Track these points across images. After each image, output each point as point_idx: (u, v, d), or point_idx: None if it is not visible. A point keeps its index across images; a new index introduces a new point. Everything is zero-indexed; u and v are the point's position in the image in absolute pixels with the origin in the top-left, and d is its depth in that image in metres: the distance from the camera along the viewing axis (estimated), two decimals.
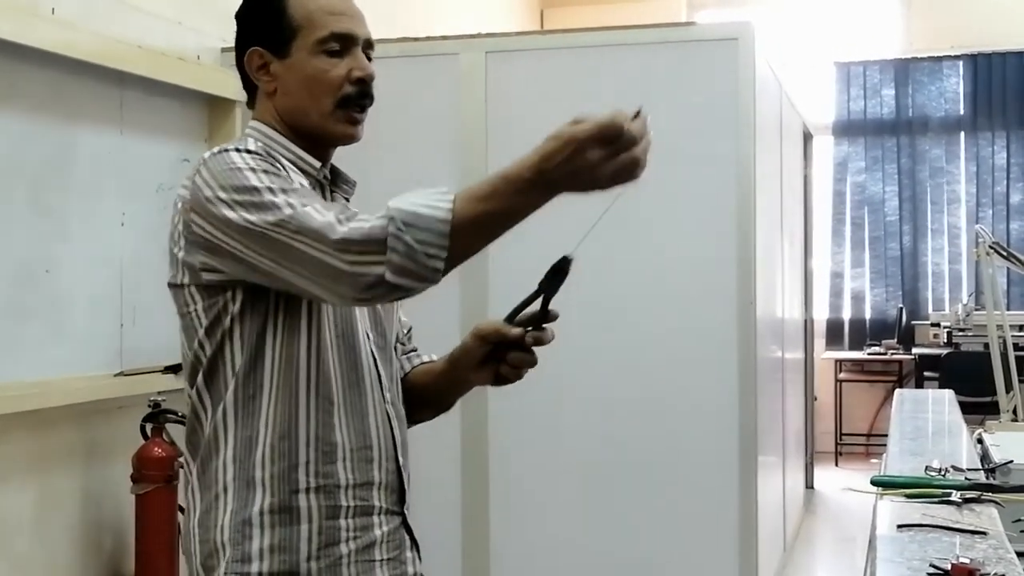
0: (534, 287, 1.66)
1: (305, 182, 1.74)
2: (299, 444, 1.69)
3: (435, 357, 1.94)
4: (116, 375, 3.75)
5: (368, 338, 1.79)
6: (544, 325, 1.70)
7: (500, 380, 1.76)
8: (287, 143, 1.78)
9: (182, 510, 3.69)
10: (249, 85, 1.84)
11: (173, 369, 3.82)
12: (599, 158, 1.49)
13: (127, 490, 3.67)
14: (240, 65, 1.84)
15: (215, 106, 4.23)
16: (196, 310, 1.70)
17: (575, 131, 1.50)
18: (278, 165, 1.68)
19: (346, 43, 1.76)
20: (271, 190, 1.60)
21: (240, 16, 1.85)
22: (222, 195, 1.62)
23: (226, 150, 1.68)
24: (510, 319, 1.72)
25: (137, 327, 3.84)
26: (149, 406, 3.70)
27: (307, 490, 1.69)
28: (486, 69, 4.21)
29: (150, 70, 3.82)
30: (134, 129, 3.88)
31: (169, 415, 3.70)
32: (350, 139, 1.80)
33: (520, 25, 8.16)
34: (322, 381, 1.71)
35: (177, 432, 3.71)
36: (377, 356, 1.80)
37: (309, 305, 1.69)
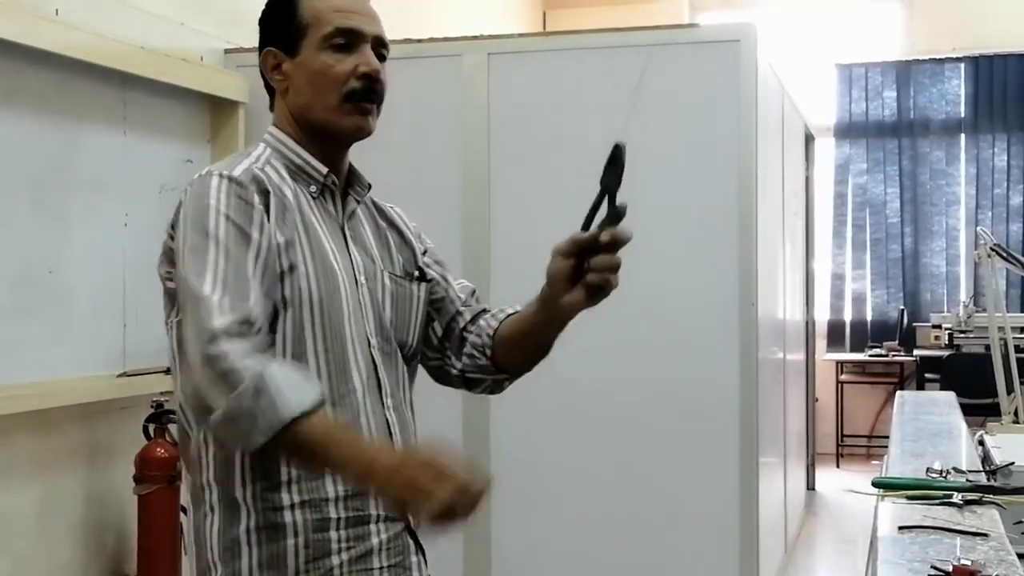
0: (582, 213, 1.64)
1: (300, 197, 1.75)
2: (280, 463, 1.68)
3: (519, 308, 1.87)
4: (119, 376, 3.75)
5: (369, 343, 1.78)
6: (618, 224, 1.63)
7: (593, 293, 1.66)
8: (297, 148, 1.79)
9: (184, 510, 3.70)
10: (269, 88, 1.85)
11: None
12: (406, 484, 1.49)
13: (129, 490, 3.67)
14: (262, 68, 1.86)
15: (218, 107, 4.23)
16: (171, 320, 1.73)
17: (408, 455, 1.57)
18: (254, 202, 1.67)
19: (353, 39, 1.76)
20: (216, 246, 1.62)
21: (260, 21, 1.86)
22: (185, 226, 1.67)
23: (212, 174, 1.70)
24: (584, 228, 1.65)
25: (140, 327, 3.84)
26: (152, 407, 3.70)
27: (291, 506, 1.68)
28: (488, 70, 4.22)
29: (153, 71, 3.83)
30: (137, 130, 3.88)
31: (172, 415, 3.69)
32: (360, 131, 1.79)
33: (523, 27, 8.16)
34: None
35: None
36: (380, 361, 1.78)
37: (284, 323, 1.68)
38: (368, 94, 1.76)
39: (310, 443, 1.54)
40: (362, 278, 1.79)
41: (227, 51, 4.27)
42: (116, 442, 3.76)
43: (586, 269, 1.65)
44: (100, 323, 3.72)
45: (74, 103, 3.61)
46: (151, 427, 3.71)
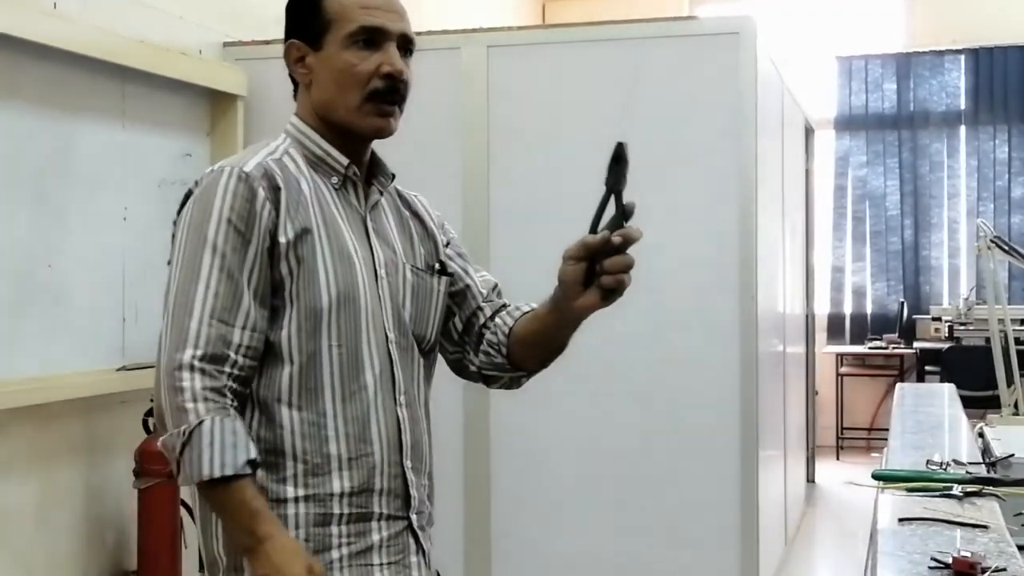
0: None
1: (321, 188, 1.76)
2: (285, 458, 1.70)
3: (535, 305, 1.87)
4: (118, 370, 3.75)
5: (387, 338, 1.77)
6: (626, 223, 1.62)
7: (607, 295, 1.67)
8: (319, 140, 1.79)
9: (184, 504, 3.70)
10: (293, 78, 1.85)
11: None
12: None
13: (129, 485, 3.67)
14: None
15: (217, 100, 4.23)
16: None
17: (282, 568, 1.60)
18: (260, 202, 1.68)
19: (377, 37, 1.75)
20: (212, 253, 1.66)
21: (287, 9, 1.85)
22: (187, 225, 1.69)
23: (223, 170, 1.70)
24: (592, 229, 1.64)
25: (139, 322, 3.84)
26: (151, 401, 3.69)
27: (295, 499, 1.69)
28: (488, 63, 4.21)
29: (152, 65, 3.82)
30: (136, 123, 3.88)
31: None
32: (380, 132, 1.78)
33: (522, 19, 8.15)
34: (312, 396, 1.70)
35: None
36: (397, 357, 1.78)
37: (290, 320, 1.69)
38: (390, 94, 1.75)
39: (219, 506, 1.64)
40: (382, 271, 1.78)
41: (226, 44, 4.26)
42: (116, 436, 3.76)
43: (598, 271, 1.65)
44: (99, 317, 3.72)
45: (73, 97, 3.61)
46: (151, 421, 3.71)
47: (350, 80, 1.74)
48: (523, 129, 4.21)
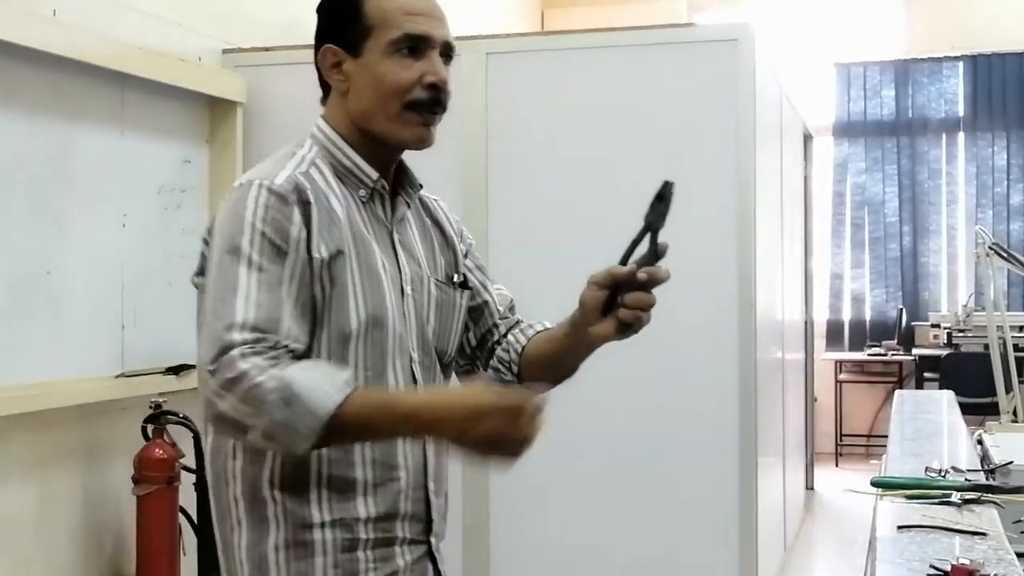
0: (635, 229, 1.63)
1: (350, 202, 1.71)
2: (310, 483, 1.65)
3: (549, 324, 1.87)
4: (117, 376, 3.75)
5: (411, 358, 1.74)
6: (657, 262, 1.63)
7: (623, 329, 1.67)
8: (348, 151, 1.73)
9: (183, 511, 3.70)
10: (323, 82, 1.78)
11: (174, 370, 3.82)
12: (488, 433, 1.55)
13: (128, 491, 3.67)
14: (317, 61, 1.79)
15: (216, 107, 4.22)
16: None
17: (481, 404, 1.53)
18: (293, 216, 1.62)
19: (421, 45, 1.70)
20: (248, 266, 1.58)
21: (319, 11, 1.79)
22: (219, 239, 1.62)
23: (252, 183, 1.64)
24: (623, 262, 1.64)
25: (138, 328, 3.84)
26: (150, 407, 3.70)
27: (321, 524, 1.65)
28: (487, 70, 4.21)
29: (151, 71, 3.82)
30: (135, 130, 3.88)
31: (170, 416, 3.70)
32: (420, 143, 1.74)
33: (521, 26, 8.15)
34: None
35: (178, 433, 3.71)
36: (420, 376, 1.75)
37: (321, 343, 1.64)
38: (433, 104, 1.71)
39: (359, 425, 1.54)
40: (408, 288, 1.75)
41: (225, 51, 4.26)
42: (115, 443, 3.76)
43: (619, 303, 1.65)
44: (98, 324, 3.71)
45: (72, 104, 3.61)
46: (150, 428, 3.70)
47: (392, 89, 1.69)
48: (522, 135, 4.21)
